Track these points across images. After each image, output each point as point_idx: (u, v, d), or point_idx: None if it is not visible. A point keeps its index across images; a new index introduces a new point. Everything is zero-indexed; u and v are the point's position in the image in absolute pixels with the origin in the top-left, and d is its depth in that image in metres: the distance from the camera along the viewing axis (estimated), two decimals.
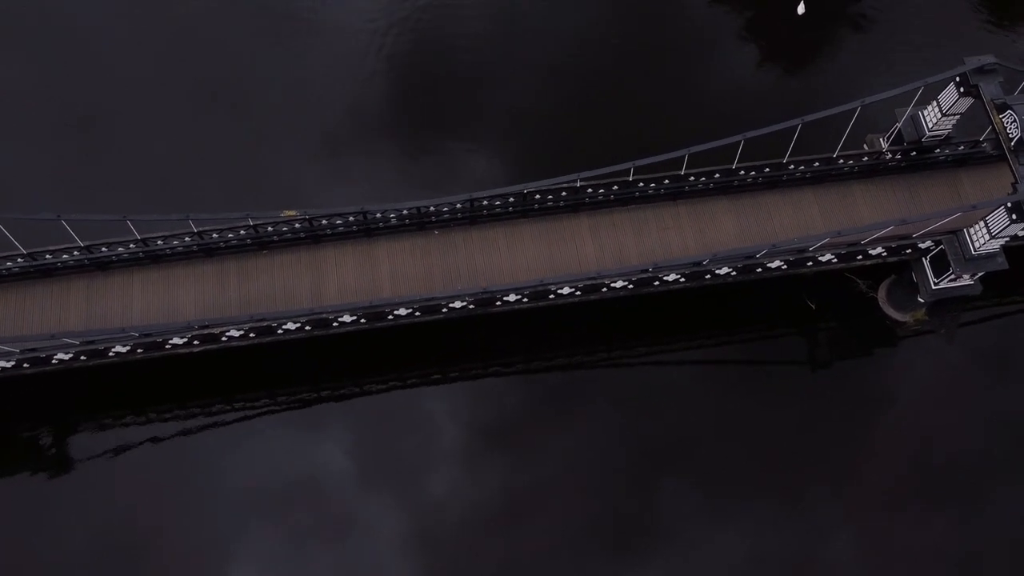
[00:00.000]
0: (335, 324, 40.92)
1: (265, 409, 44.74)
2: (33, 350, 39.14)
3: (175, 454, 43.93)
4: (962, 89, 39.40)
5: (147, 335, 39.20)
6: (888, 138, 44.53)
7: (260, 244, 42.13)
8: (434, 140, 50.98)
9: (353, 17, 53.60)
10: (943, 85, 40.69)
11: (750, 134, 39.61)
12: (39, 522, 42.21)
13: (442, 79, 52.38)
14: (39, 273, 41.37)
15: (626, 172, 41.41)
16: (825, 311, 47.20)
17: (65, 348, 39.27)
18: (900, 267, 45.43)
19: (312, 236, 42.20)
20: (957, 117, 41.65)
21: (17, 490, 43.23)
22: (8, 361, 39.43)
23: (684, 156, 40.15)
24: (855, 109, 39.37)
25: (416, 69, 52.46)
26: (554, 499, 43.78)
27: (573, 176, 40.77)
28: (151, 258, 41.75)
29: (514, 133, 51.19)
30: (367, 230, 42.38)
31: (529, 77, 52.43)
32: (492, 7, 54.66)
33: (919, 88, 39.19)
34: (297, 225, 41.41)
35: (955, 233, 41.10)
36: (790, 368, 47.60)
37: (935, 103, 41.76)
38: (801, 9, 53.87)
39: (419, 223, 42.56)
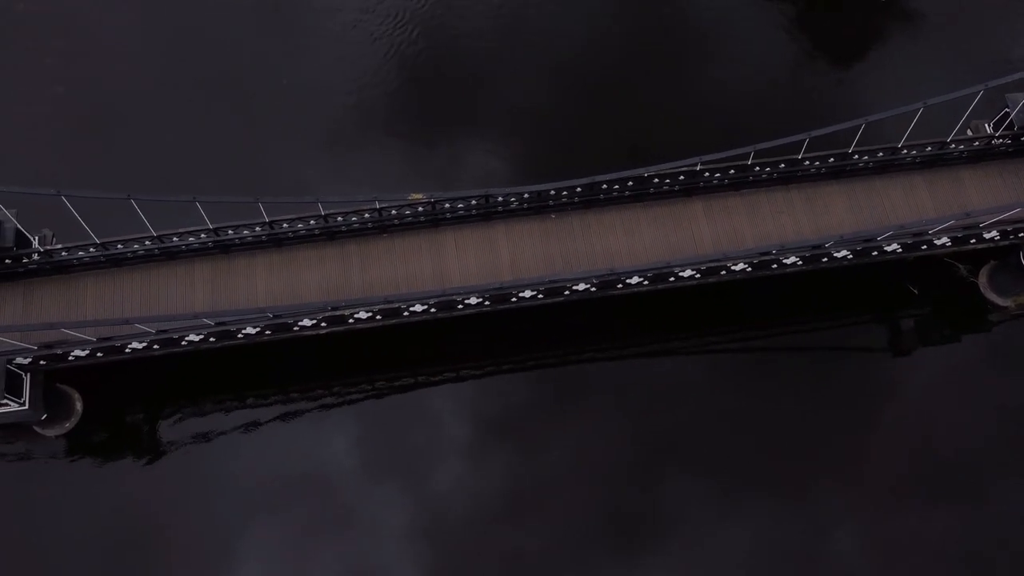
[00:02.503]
0: (460, 307, 41.30)
1: (295, 404, 45.67)
2: (165, 331, 39.47)
3: (229, 442, 44.84)
4: None
5: (279, 316, 39.56)
6: (996, 124, 44.85)
7: (381, 228, 42.49)
8: (452, 135, 51.43)
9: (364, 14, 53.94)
10: None
11: (872, 118, 40.01)
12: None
13: (459, 74, 52.63)
14: (164, 255, 41.71)
15: (745, 156, 41.85)
16: (922, 296, 47.72)
17: (198, 329, 39.61)
18: (1001, 252, 45.86)
19: (432, 220, 42.57)
20: None
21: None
22: (140, 342, 39.75)
23: (805, 140, 40.61)
24: (977, 92, 39.69)
25: (430, 66, 52.66)
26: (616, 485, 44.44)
27: (694, 160, 41.24)
28: (274, 241, 42.09)
29: (557, 128, 51.58)
30: (486, 214, 42.76)
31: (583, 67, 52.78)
32: None
33: None
34: (420, 208, 41.78)
35: None
36: (878, 354, 48.01)
37: None
38: None
39: (537, 207, 42.92)
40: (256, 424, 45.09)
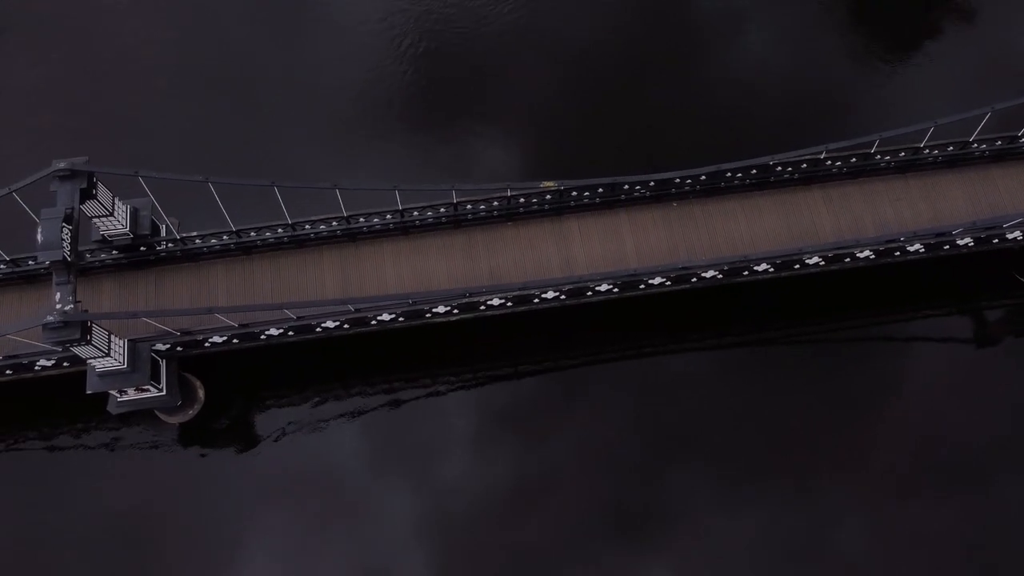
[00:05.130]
0: (589, 294, 41.61)
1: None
2: (302, 317, 39.75)
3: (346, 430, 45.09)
4: None
5: (416, 303, 39.87)
6: None
7: (506, 216, 42.81)
8: (470, 130, 51.40)
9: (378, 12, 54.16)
10: None
11: (999, 106, 40.44)
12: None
13: (475, 73, 52.66)
14: (293, 243, 41.99)
15: (868, 145, 42.31)
16: None
17: (335, 316, 39.89)
18: None
19: (556, 208, 42.89)
20: None
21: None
22: (278, 329, 40.01)
23: (930, 129, 41.07)
24: None
25: (447, 60, 52.75)
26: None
27: (819, 148, 41.71)
28: (401, 229, 42.38)
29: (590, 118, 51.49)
30: (609, 202, 43.08)
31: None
32: None
33: None
34: (548, 196, 42.11)
35: None
36: (968, 344, 48.12)
37: None
38: None
39: (658, 195, 43.25)
40: (350, 414, 45.20)
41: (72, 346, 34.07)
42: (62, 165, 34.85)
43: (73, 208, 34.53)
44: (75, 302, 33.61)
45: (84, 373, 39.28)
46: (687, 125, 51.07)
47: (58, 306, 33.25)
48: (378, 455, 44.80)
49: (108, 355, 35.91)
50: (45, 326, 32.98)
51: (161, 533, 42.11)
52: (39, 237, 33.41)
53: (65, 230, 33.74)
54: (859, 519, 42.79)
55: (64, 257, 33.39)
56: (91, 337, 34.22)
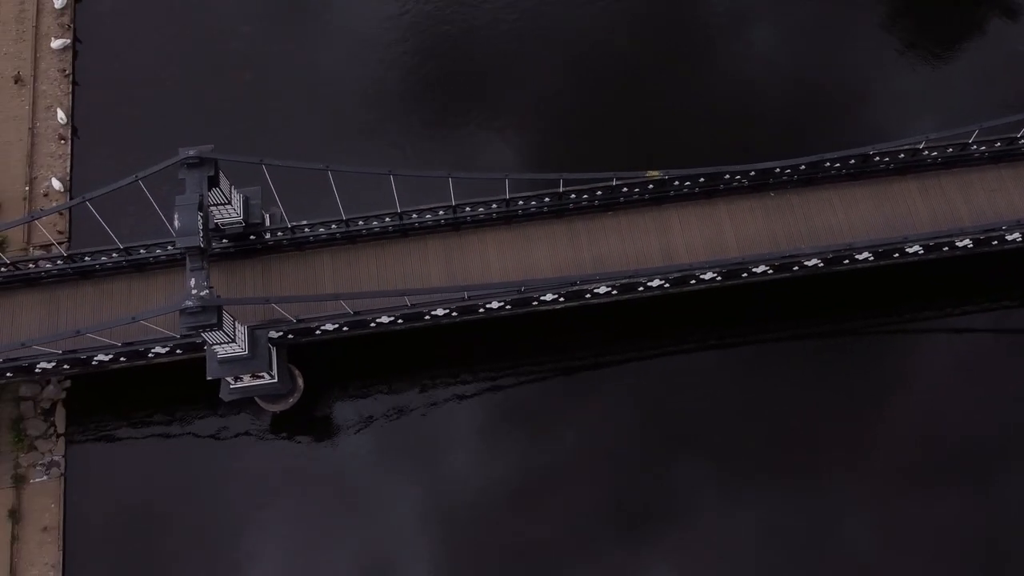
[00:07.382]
0: (693, 282, 42.01)
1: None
2: (416, 305, 40.16)
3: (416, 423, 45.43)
4: None
5: (527, 290, 40.30)
6: None
7: (606, 206, 43.21)
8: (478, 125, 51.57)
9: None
10: None
11: None
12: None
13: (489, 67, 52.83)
14: (398, 232, 42.39)
15: (967, 135, 42.70)
16: None
17: (446, 304, 40.29)
18: None
19: (655, 198, 43.28)
20: None
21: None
22: (388, 317, 40.40)
23: None
24: None
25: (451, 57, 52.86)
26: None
27: (919, 138, 42.21)
28: (503, 219, 42.77)
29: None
30: (708, 192, 43.48)
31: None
32: None
33: None
34: (651, 186, 42.49)
35: None
36: None
37: None
38: None
39: (756, 185, 43.63)
40: (439, 401, 45.64)
41: (204, 331, 34.45)
42: (191, 153, 35.22)
43: (203, 195, 34.91)
44: (209, 287, 33.99)
45: (190, 361, 40.00)
46: (710, 124, 50.80)
47: (194, 291, 33.63)
48: (471, 448, 45.20)
49: (233, 341, 36.28)
50: (183, 311, 33.37)
51: (268, 513, 43.02)
52: (176, 224, 33.79)
53: (199, 216, 34.12)
54: (861, 517, 43.26)
55: (199, 243, 33.76)
56: (223, 323, 34.61)
